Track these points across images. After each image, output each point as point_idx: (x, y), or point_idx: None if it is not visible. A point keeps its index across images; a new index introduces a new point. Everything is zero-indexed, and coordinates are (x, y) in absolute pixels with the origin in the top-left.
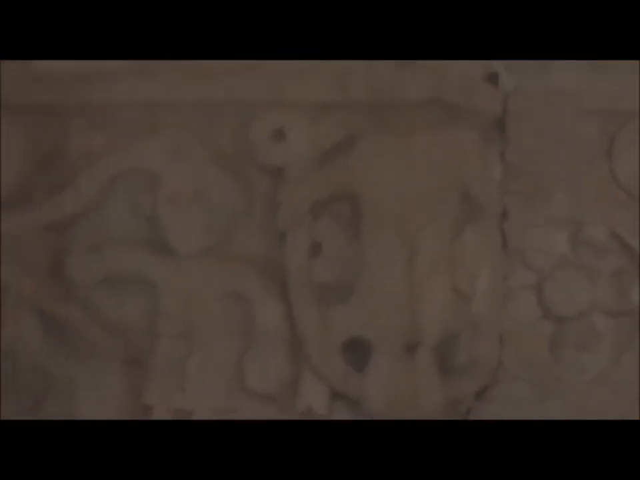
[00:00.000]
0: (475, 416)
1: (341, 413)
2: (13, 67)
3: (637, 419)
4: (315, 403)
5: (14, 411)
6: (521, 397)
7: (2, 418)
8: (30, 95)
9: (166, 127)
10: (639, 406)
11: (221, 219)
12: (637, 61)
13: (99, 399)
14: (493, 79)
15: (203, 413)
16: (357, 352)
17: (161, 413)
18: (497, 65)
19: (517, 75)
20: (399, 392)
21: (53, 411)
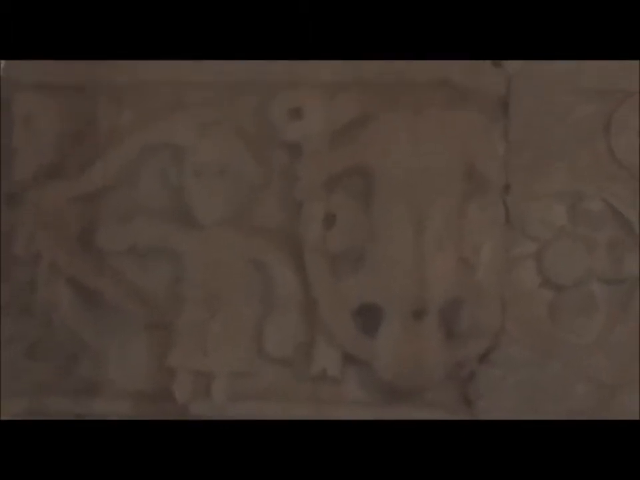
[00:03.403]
0: (477, 378)
1: (352, 376)
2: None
3: (637, 418)
4: (328, 366)
5: (46, 374)
6: (521, 360)
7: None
8: (63, 76)
9: (191, 105)
10: (639, 404)
11: (242, 191)
12: (637, 61)
13: (126, 362)
14: (496, 62)
15: (222, 376)
16: (368, 317)
17: (183, 375)
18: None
19: None
20: (406, 355)
21: (83, 374)
